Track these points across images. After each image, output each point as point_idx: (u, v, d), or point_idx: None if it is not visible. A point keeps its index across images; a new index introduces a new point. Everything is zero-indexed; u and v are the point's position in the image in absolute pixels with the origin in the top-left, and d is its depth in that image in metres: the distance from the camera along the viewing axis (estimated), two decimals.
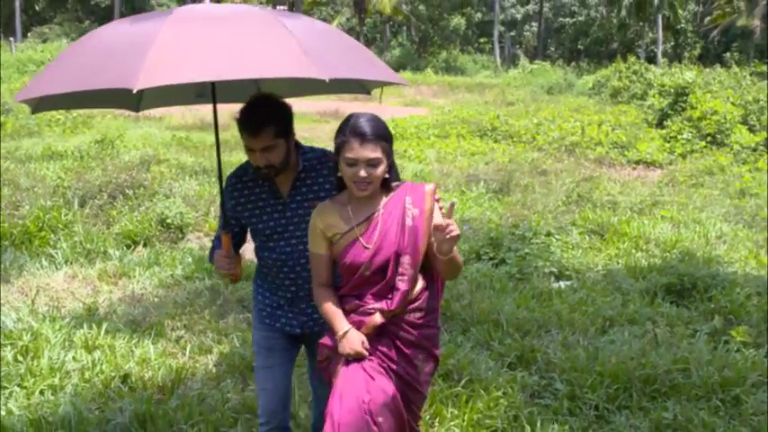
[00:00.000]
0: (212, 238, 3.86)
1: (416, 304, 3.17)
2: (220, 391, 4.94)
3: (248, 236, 3.77)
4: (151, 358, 5.43)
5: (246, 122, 3.38)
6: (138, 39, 3.00)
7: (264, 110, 3.41)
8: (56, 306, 6.66)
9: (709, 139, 17.43)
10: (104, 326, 5.93)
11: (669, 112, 19.72)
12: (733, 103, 18.73)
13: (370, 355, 3.14)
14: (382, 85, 4.09)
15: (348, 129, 3.08)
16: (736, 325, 6.18)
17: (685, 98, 19.46)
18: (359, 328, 3.15)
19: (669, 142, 17.82)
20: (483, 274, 7.56)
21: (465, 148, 17.40)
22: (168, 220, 8.92)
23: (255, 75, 3.04)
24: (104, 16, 53.72)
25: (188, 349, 5.71)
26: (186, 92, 3.79)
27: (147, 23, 3.20)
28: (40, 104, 3.51)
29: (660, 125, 19.56)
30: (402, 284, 3.11)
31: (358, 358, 3.13)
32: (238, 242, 3.69)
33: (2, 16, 53.88)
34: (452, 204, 2.98)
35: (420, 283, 3.18)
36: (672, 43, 52.73)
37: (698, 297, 6.93)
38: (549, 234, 9.10)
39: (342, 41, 3.50)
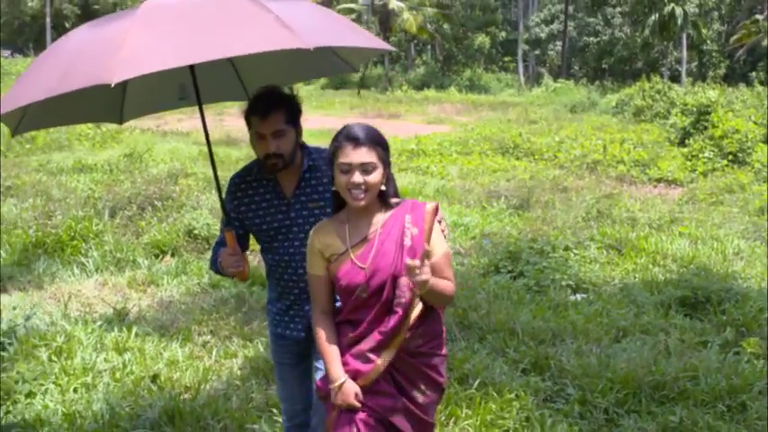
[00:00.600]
0: None
1: (417, 331, 3.03)
2: (245, 390, 5.17)
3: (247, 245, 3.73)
4: (179, 360, 5.66)
5: (257, 105, 3.38)
6: (110, 35, 2.94)
7: (275, 95, 3.41)
8: (87, 311, 6.92)
9: (730, 157, 17.49)
10: (134, 329, 6.18)
11: (691, 130, 19.81)
12: (755, 122, 18.81)
13: (363, 406, 3.01)
14: (368, 54, 4.03)
15: (341, 135, 3.01)
16: (747, 337, 6.31)
17: (707, 117, 19.56)
18: (355, 378, 3.01)
19: (690, 161, 17.89)
20: (501, 286, 7.73)
21: (487, 164, 17.58)
22: (195, 231, 9.18)
23: (237, 53, 2.95)
24: None
25: (214, 353, 5.94)
26: (168, 95, 3.77)
27: (117, 21, 3.15)
28: (21, 124, 3.40)
29: (682, 144, 19.65)
30: (399, 308, 2.97)
31: (350, 409, 3.02)
32: (241, 247, 3.60)
33: (33, 32, 54.91)
34: (426, 251, 2.84)
35: (419, 308, 3.02)
36: (696, 63, 52.72)
37: (711, 310, 7.07)
38: (567, 248, 9.28)
39: (324, 15, 3.45)
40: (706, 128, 19.25)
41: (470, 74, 53.54)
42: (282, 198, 3.53)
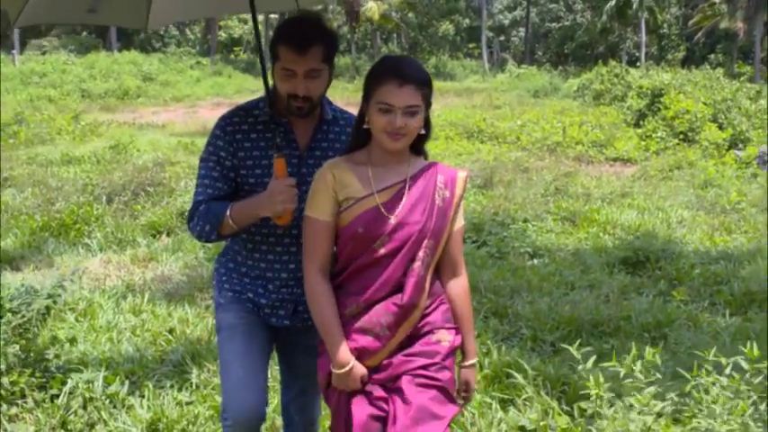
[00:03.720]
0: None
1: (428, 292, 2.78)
2: None
3: None
4: (189, 319, 6.50)
5: (294, 36, 2.83)
6: None
7: (314, 26, 2.89)
8: (99, 284, 7.75)
9: (681, 136, 18.59)
10: (146, 295, 7.03)
11: (646, 112, 20.89)
12: (704, 103, 19.88)
13: (367, 384, 2.74)
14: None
15: (383, 69, 2.67)
16: (678, 288, 7.31)
17: (661, 99, 20.63)
18: (361, 357, 2.70)
19: (645, 140, 18.94)
20: (466, 254, 8.63)
21: (453, 148, 18.47)
22: (187, 213, 10.01)
23: None
24: (99, 28, 54.81)
25: None
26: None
27: None
28: (22, 15, 3.10)
29: (638, 125, 20.69)
30: (419, 269, 2.70)
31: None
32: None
33: None
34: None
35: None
36: (656, 46, 54.05)
37: (649, 267, 8.07)
38: (525, 221, 10.27)
39: None
40: (659, 109, 20.32)
41: (436, 61, 54.47)
42: (295, 148, 3.01)
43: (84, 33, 53.92)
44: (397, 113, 2.62)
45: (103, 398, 4.71)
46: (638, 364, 3.92)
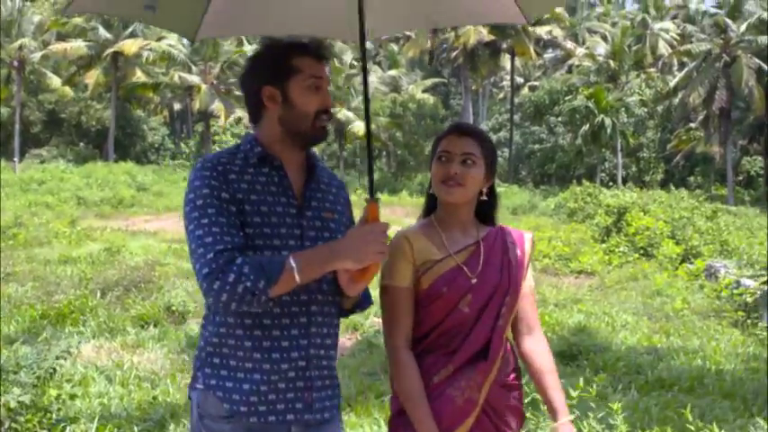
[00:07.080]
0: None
1: (506, 358, 2.74)
2: None
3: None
4: (170, 392, 7.49)
5: (316, 46, 2.61)
6: None
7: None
8: (91, 364, 8.73)
9: (641, 251, 19.83)
10: (134, 372, 8.03)
11: (612, 228, 22.21)
12: (664, 221, 21.24)
13: None
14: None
15: (448, 128, 2.79)
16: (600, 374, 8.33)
17: (625, 216, 22.01)
18: (452, 427, 2.58)
19: (608, 255, 20.13)
20: None
21: None
22: (173, 307, 11.07)
23: None
24: (97, 139, 56.81)
25: None
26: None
27: None
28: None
29: (603, 241, 21.97)
30: (503, 326, 2.68)
31: None
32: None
33: None
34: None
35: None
36: (634, 168, 56.08)
37: (581, 359, 9.11)
38: None
39: None
40: (623, 226, 21.66)
41: (422, 178, 56.24)
42: (292, 198, 2.56)
43: (82, 144, 55.75)
44: (455, 161, 2.65)
45: None
46: None
